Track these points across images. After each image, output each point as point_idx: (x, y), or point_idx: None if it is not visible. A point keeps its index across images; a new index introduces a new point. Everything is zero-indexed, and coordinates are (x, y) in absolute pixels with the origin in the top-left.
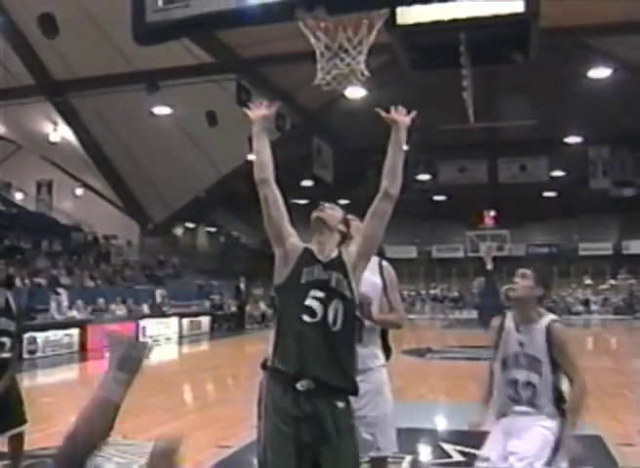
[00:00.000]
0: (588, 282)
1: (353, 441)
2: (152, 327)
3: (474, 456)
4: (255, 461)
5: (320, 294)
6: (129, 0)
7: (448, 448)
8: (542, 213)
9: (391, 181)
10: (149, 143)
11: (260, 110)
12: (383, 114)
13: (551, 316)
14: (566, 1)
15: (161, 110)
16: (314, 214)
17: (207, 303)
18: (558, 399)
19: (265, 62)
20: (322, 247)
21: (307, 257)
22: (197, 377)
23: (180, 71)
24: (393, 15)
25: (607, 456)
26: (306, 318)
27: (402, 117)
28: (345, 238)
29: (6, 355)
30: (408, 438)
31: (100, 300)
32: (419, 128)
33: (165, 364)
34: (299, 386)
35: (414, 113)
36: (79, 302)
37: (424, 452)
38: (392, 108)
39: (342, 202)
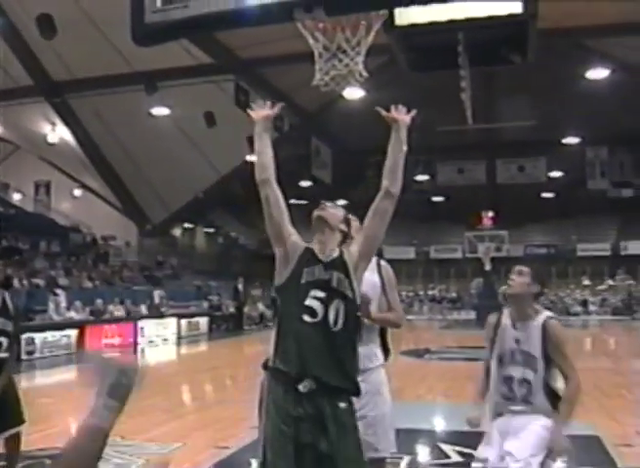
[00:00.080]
0: (586, 282)
1: (356, 441)
2: (150, 327)
3: (472, 457)
4: (254, 462)
5: (321, 294)
6: (127, 1)
7: (446, 448)
8: (541, 213)
9: (392, 181)
10: (148, 144)
11: (262, 110)
12: (384, 113)
13: (547, 313)
14: (564, 2)
15: (159, 111)
16: (315, 212)
17: (205, 304)
18: (552, 396)
19: (264, 63)
20: (323, 246)
21: (308, 257)
22: (195, 378)
23: (178, 72)
24: (391, 16)
25: (605, 457)
26: (307, 318)
27: (402, 116)
28: (346, 237)
29: (3, 355)
30: (406, 438)
31: (99, 301)
32: (417, 128)
33: (163, 364)
34: (301, 387)
35: (414, 112)
36: (77, 303)
37: (423, 453)
38: (392, 107)
39: (341, 202)
